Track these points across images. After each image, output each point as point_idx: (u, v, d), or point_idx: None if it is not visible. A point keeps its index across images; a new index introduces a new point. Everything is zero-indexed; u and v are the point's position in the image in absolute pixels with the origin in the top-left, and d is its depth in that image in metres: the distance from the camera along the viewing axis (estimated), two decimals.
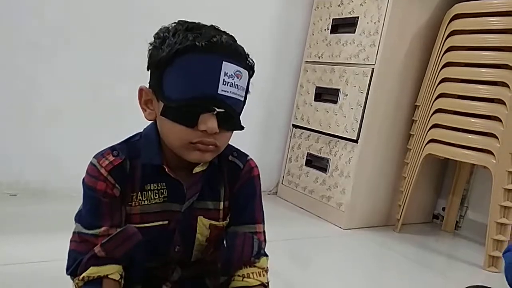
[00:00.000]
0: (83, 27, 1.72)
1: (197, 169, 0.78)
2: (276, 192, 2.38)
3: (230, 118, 0.72)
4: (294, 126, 2.29)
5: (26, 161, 1.69)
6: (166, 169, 0.76)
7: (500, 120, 1.64)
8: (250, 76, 0.75)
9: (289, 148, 2.31)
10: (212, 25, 0.74)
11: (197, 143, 0.71)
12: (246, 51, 0.74)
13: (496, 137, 1.65)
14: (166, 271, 0.82)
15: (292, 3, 2.23)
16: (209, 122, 0.69)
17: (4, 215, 1.50)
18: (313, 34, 2.20)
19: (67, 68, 1.71)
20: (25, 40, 1.62)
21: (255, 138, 2.29)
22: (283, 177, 2.34)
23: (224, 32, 0.73)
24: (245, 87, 0.74)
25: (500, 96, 1.65)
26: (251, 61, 0.75)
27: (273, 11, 2.20)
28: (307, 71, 2.22)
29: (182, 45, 0.67)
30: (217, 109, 0.69)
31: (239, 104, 0.74)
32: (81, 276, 0.70)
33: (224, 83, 0.68)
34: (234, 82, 0.70)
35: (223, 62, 0.68)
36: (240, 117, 0.75)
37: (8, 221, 1.46)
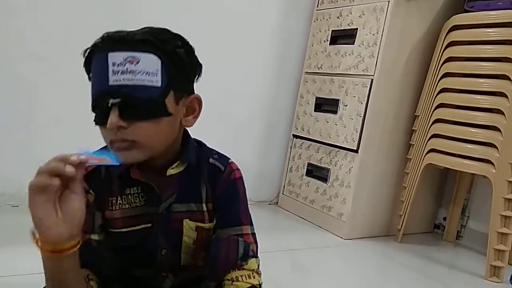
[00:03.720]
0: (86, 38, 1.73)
1: (171, 171, 0.77)
2: (277, 202, 2.38)
3: (134, 107, 0.68)
4: (294, 136, 2.30)
5: (28, 172, 1.69)
6: (132, 174, 0.76)
7: (499, 130, 1.65)
8: (170, 60, 0.71)
9: (289, 158, 2.32)
10: (145, 27, 0.74)
11: (112, 142, 0.71)
12: (160, 37, 0.70)
13: (496, 147, 1.66)
14: (158, 279, 0.82)
15: (291, 15, 2.26)
16: (109, 118, 0.68)
17: (6, 226, 1.51)
18: (312, 45, 2.23)
19: (68, 79, 1.72)
20: (27, 51, 1.64)
21: (255, 148, 2.29)
22: (283, 187, 2.35)
23: (150, 27, 0.73)
24: (156, 71, 0.69)
25: (499, 106, 1.66)
26: (161, 45, 0.70)
27: (273, 23, 2.22)
28: (307, 81, 2.24)
29: (87, 51, 0.72)
30: (112, 100, 0.67)
31: (144, 90, 0.68)
32: None
33: (114, 73, 0.67)
34: (127, 68, 0.67)
35: (108, 54, 0.68)
36: (165, 104, 0.70)
37: (10, 232, 1.46)
